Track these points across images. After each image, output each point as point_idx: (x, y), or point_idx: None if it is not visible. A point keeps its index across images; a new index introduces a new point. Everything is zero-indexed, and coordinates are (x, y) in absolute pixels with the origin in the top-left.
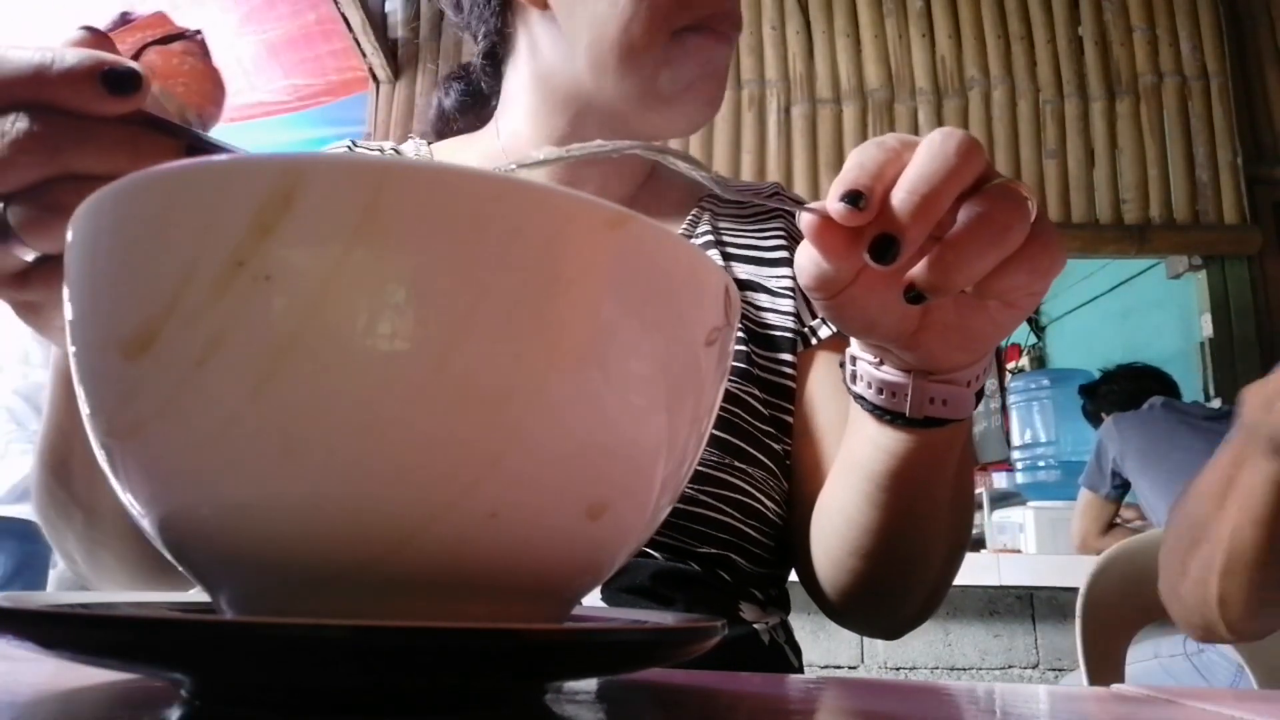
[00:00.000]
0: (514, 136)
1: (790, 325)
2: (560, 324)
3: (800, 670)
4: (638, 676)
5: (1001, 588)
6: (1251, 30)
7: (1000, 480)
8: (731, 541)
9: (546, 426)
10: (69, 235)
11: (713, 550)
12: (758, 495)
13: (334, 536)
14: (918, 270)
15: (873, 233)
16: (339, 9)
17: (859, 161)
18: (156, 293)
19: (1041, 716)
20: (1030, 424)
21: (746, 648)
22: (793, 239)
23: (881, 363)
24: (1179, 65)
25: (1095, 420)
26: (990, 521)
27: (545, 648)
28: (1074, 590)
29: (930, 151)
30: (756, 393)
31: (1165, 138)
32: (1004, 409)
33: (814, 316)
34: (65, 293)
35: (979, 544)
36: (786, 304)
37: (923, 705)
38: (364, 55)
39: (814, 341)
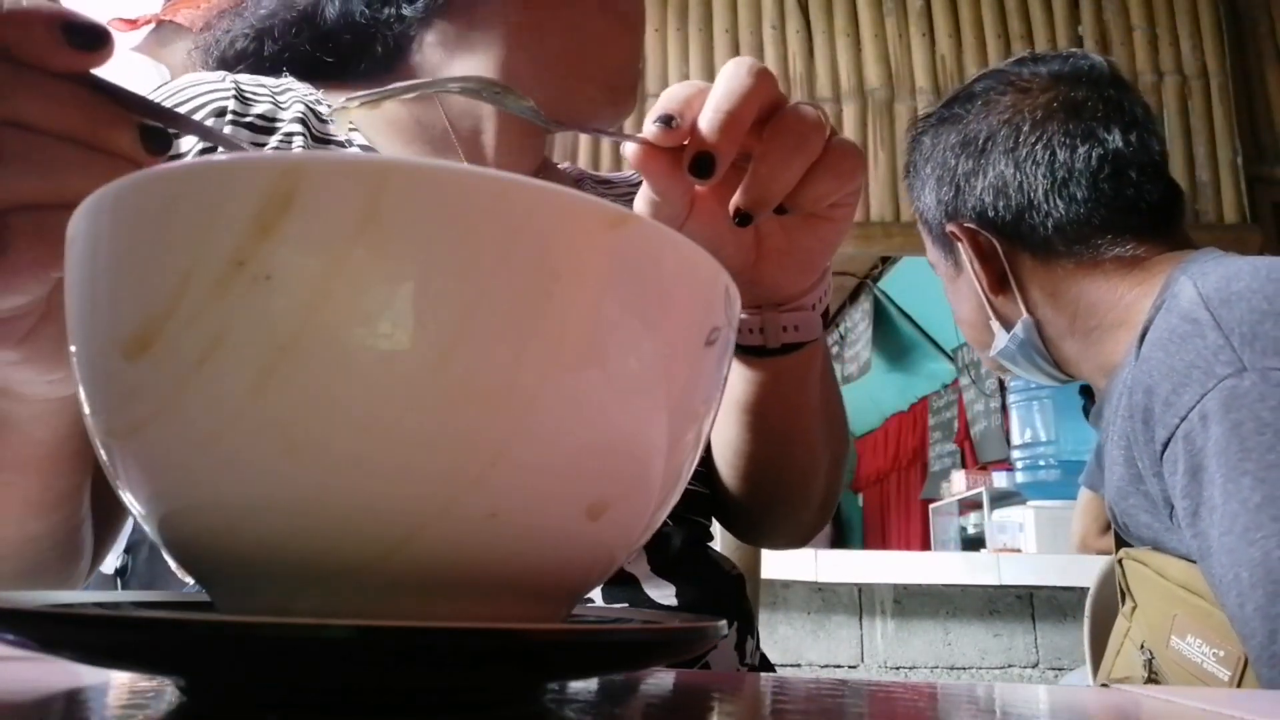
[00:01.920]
0: (447, 97)
1: None
2: (560, 324)
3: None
4: (638, 676)
5: (1001, 587)
6: (1251, 30)
7: (1000, 480)
8: (696, 515)
9: (546, 426)
10: (69, 235)
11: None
12: None
13: (334, 536)
14: (738, 193)
15: (691, 151)
16: None
17: (668, 94)
18: (156, 293)
19: (1041, 716)
20: (1030, 424)
21: (738, 590)
22: None
23: None
24: (1179, 64)
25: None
26: (990, 521)
27: (545, 648)
28: (1074, 590)
29: (726, 76)
30: None
31: (1165, 137)
32: (1004, 409)
33: None
34: (65, 293)
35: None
36: None
37: (923, 705)
38: None
39: None
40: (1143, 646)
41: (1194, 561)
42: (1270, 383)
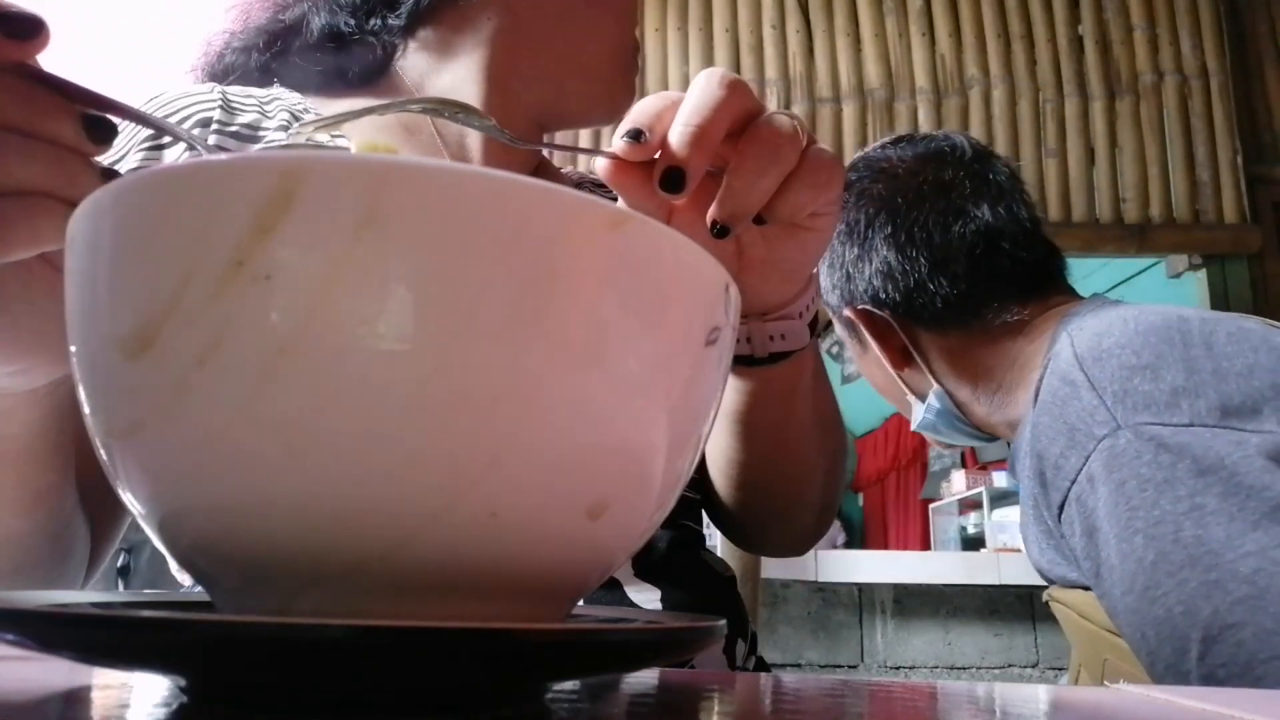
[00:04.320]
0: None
1: None
2: (560, 324)
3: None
4: (638, 676)
5: (1001, 587)
6: (1251, 29)
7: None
8: (684, 520)
9: (546, 426)
10: (69, 235)
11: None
12: None
13: (334, 536)
14: (714, 206)
15: (661, 166)
16: None
17: (639, 107)
18: (156, 293)
19: (1041, 716)
20: None
21: (729, 593)
22: None
23: None
24: (1179, 64)
25: None
26: (990, 521)
27: (545, 648)
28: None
29: (698, 88)
30: None
31: (1165, 137)
32: None
33: None
34: (65, 293)
35: (979, 543)
36: None
37: (922, 705)
38: None
39: None
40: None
41: None
42: (1144, 438)
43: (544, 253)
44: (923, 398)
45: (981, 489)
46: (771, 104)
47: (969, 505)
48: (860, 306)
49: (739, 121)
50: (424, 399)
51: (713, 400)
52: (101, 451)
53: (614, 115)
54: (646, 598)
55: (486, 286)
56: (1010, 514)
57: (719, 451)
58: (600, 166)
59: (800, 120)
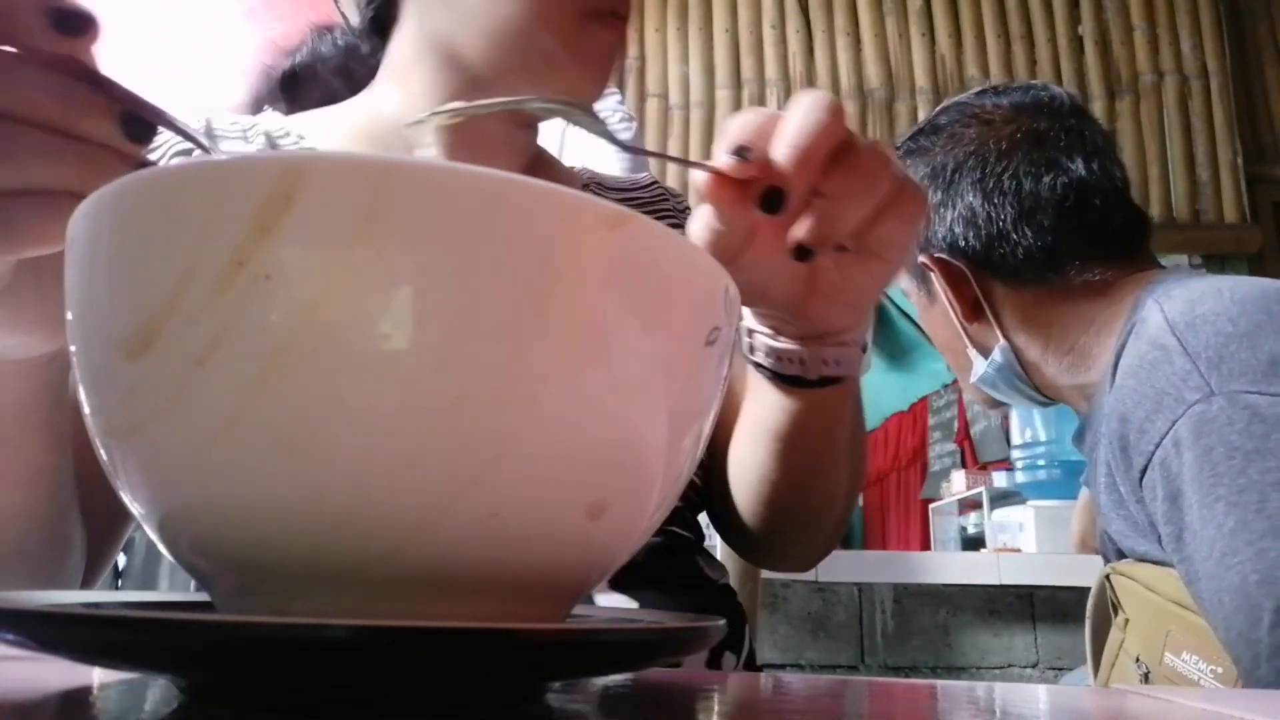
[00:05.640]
0: (404, 108)
1: None
2: (560, 324)
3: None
4: (638, 676)
5: (1001, 587)
6: (1251, 29)
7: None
8: (669, 525)
9: (546, 426)
10: (69, 235)
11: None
12: None
13: (334, 536)
14: (803, 228)
15: (760, 187)
16: None
17: (740, 123)
18: (156, 293)
19: (1041, 716)
20: (1030, 423)
21: (719, 602)
22: (678, 217)
23: (778, 334)
24: (1179, 64)
25: None
26: (990, 521)
27: (545, 648)
28: (1074, 590)
29: (801, 109)
30: None
31: (1165, 137)
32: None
33: None
34: (66, 293)
35: (979, 543)
36: None
37: (923, 705)
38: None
39: None
40: (1138, 660)
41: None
42: (1238, 406)
43: (544, 252)
44: (986, 355)
45: (981, 489)
46: (771, 104)
47: (969, 505)
48: (937, 254)
49: (837, 147)
50: (423, 399)
51: (713, 400)
52: (101, 451)
53: (595, 87)
54: (617, 604)
55: (486, 286)
56: (1010, 514)
57: (751, 466)
58: (701, 180)
59: (891, 149)
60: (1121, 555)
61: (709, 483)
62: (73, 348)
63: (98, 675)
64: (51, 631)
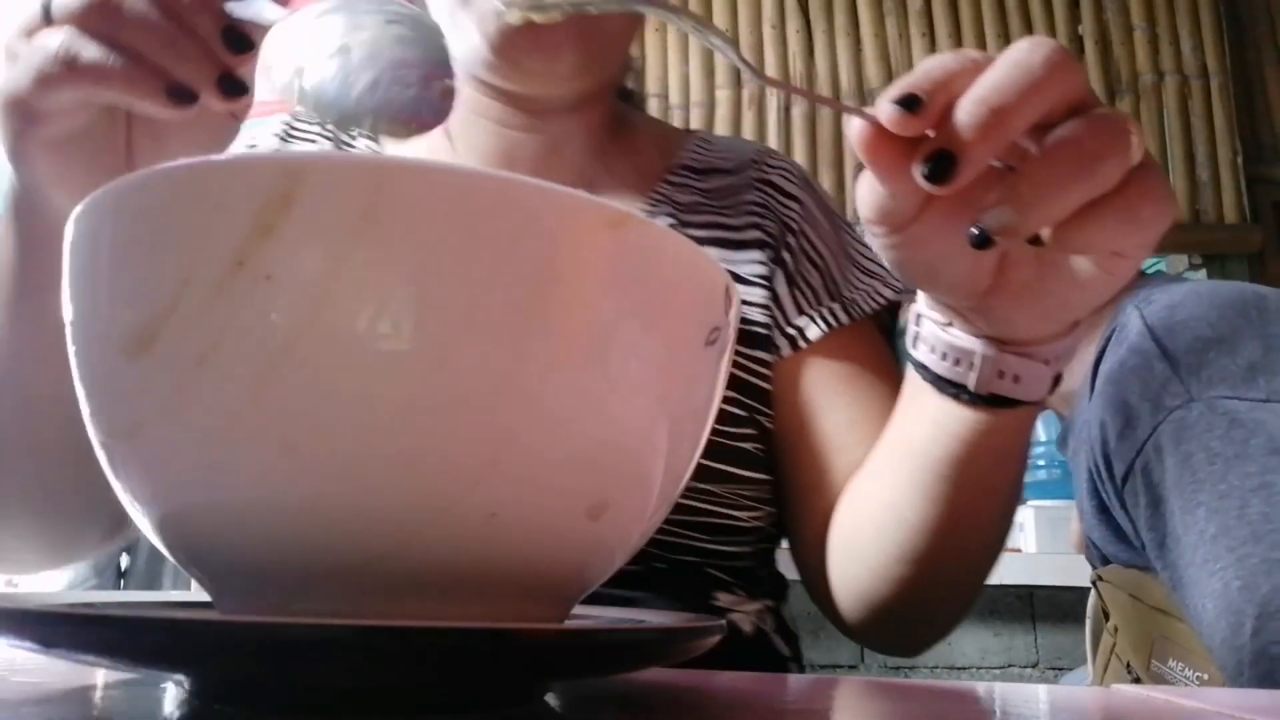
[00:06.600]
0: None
1: (760, 318)
2: (560, 324)
3: (795, 659)
4: (638, 676)
5: (1001, 587)
6: (1251, 30)
7: None
8: (698, 562)
9: (546, 426)
10: (68, 236)
11: (682, 566)
12: (726, 511)
13: (334, 536)
14: (987, 210)
15: (930, 147)
16: None
17: (925, 66)
18: (156, 293)
19: (1041, 716)
20: None
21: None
22: (768, 215)
23: (950, 324)
24: (1179, 64)
25: None
26: None
27: (545, 648)
28: (1074, 590)
29: (1010, 59)
30: (727, 393)
31: (1165, 137)
32: None
33: (800, 314)
34: (65, 293)
35: None
36: (757, 294)
37: (923, 705)
38: None
39: (802, 345)
40: (1129, 666)
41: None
42: (1217, 412)
43: (544, 252)
44: None
45: None
46: (771, 104)
47: None
48: None
49: (1056, 112)
50: (424, 399)
51: (713, 400)
52: (101, 452)
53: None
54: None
55: (486, 286)
56: None
57: (886, 507)
58: (855, 131)
59: (1138, 126)
60: (1106, 561)
61: (801, 555)
62: (73, 348)
63: (98, 675)
64: (52, 631)
